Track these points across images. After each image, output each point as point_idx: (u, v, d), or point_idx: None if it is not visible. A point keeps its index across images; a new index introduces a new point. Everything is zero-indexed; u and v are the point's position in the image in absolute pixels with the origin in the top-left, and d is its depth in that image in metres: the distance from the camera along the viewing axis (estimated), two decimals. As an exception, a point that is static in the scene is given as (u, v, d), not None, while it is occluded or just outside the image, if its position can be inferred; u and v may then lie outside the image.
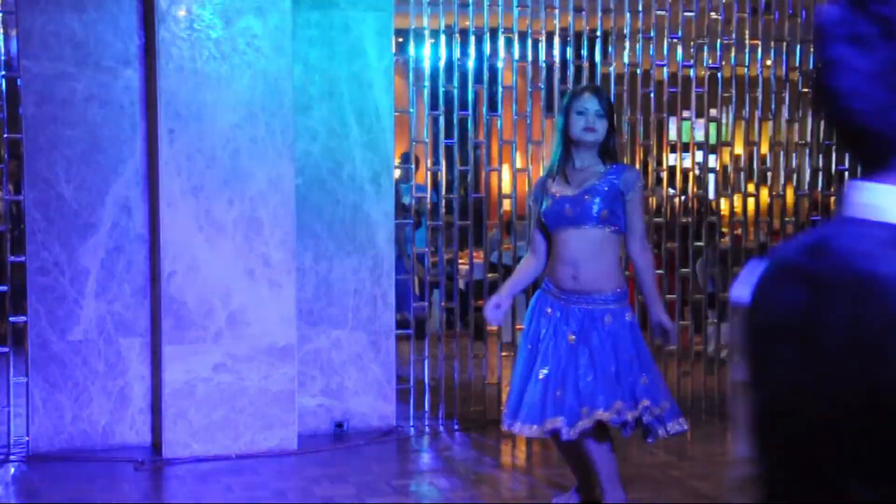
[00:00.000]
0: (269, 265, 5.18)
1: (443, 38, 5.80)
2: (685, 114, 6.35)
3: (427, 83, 5.83)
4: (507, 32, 5.94)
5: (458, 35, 5.86)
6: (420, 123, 5.91)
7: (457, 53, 5.87)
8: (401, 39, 6.09)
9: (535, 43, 6.00)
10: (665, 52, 6.23)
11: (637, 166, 6.00)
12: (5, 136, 5.21)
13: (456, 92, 5.88)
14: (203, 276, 5.13)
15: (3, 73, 5.18)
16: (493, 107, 6.01)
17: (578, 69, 6.09)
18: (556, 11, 5.97)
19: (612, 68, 6.06)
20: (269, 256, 5.19)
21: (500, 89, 5.97)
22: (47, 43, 5.15)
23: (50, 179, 5.19)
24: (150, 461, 5.10)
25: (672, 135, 6.58)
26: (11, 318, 5.32)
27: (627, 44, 6.08)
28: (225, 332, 5.16)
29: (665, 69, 6.26)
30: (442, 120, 5.84)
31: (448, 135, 5.88)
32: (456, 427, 5.82)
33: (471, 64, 5.91)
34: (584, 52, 6.19)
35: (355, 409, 5.59)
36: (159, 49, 5.05)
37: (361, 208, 5.61)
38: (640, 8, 6.13)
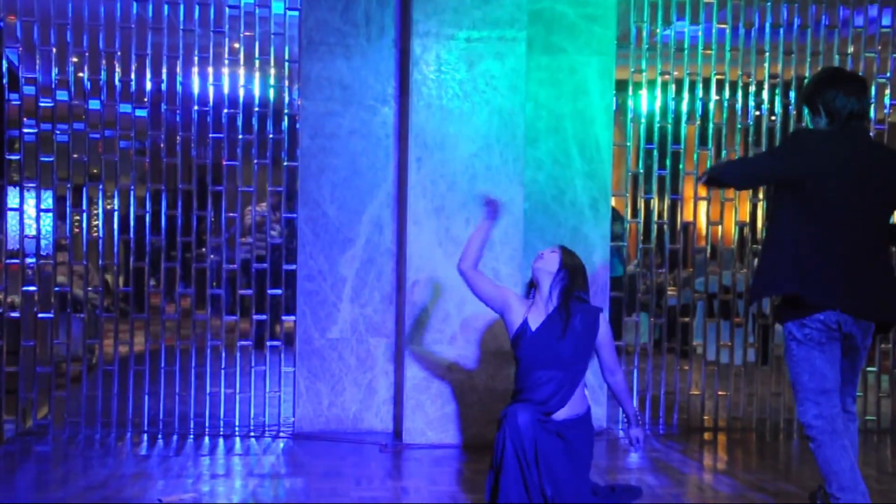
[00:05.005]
0: (499, 278, 5.22)
1: (659, 81, 5.82)
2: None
3: (643, 120, 5.87)
4: (719, 74, 5.90)
5: (672, 85, 5.83)
6: (635, 156, 5.94)
7: (671, 94, 5.85)
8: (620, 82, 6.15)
9: (745, 87, 5.91)
10: (873, 93, 5.99)
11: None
12: (285, 164, 5.57)
13: (669, 128, 5.85)
14: (441, 286, 5.26)
15: (287, 111, 5.56)
16: (703, 142, 5.97)
17: (786, 108, 5.97)
18: (767, 55, 5.88)
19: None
20: (499, 270, 5.26)
21: (710, 126, 5.93)
22: (321, 86, 5.49)
23: (318, 200, 5.51)
24: (392, 445, 5.26)
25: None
26: (284, 317, 5.65)
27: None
28: (458, 336, 5.28)
29: (872, 109, 6.01)
30: (656, 153, 5.84)
31: (661, 166, 5.87)
32: (662, 432, 5.76)
33: (684, 106, 5.86)
34: (793, 94, 6.01)
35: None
36: (412, 89, 5.27)
37: (580, 231, 5.64)
38: (850, 51, 5.94)
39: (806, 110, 3.93)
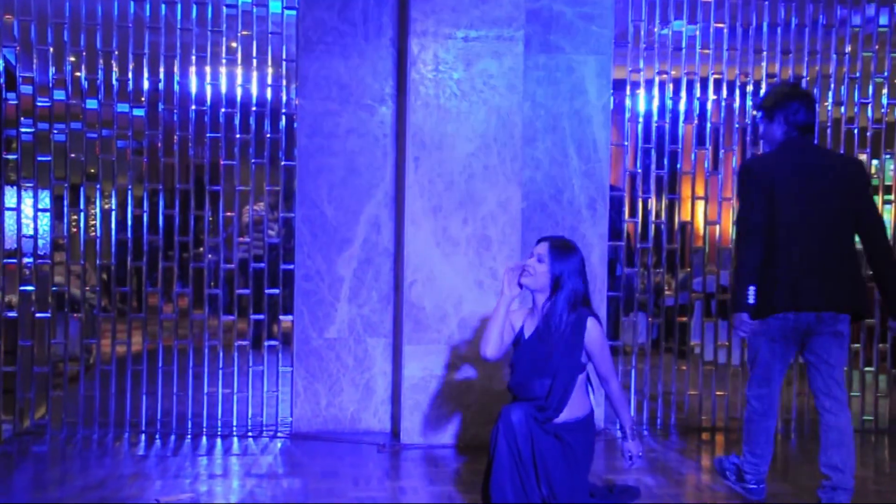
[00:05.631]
0: (497, 278, 5.22)
1: (656, 81, 5.81)
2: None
3: (641, 119, 5.87)
4: (717, 74, 5.90)
5: (670, 84, 5.83)
6: (633, 155, 5.92)
7: (669, 93, 5.86)
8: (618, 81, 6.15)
9: (743, 86, 5.91)
10: (870, 92, 6.00)
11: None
12: (283, 163, 5.56)
13: (667, 128, 5.85)
14: (439, 285, 5.26)
15: (284, 111, 5.55)
16: (701, 141, 5.97)
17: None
18: (765, 54, 5.89)
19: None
20: (497, 270, 5.24)
21: (708, 125, 5.93)
22: (319, 85, 5.48)
23: (315, 200, 5.51)
24: (389, 445, 5.25)
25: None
26: (281, 317, 5.64)
27: (833, 85, 5.92)
28: (456, 335, 5.27)
29: (870, 108, 6.03)
30: (654, 153, 5.83)
31: (659, 166, 5.86)
32: (659, 432, 5.76)
33: (681, 106, 5.86)
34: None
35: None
36: (409, 88, 5.26)
37: (578, 230, 5.64)
38: (847, 50, 5.95)
39: (759, 116, 4.30)
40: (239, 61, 5.56)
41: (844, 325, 4.15)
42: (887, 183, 6.22)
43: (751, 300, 4.02)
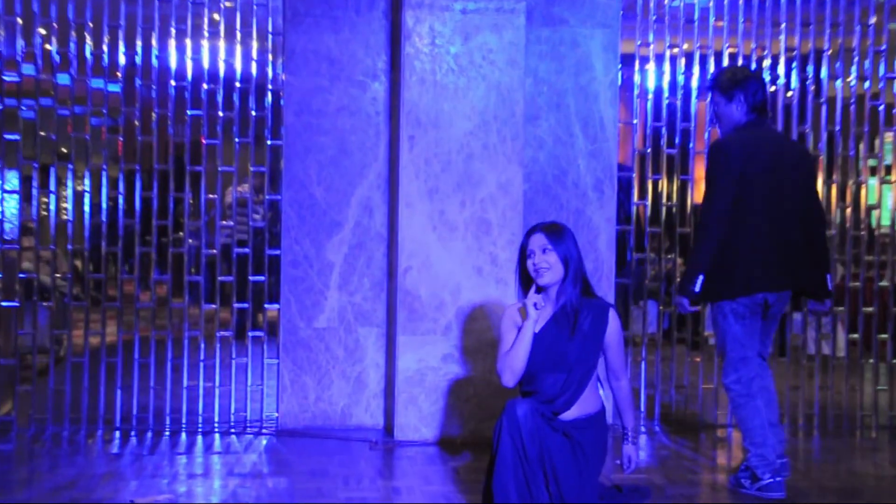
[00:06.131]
0: (497, 264, 5.11)
1: (667, 55, 5.63)
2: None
3: (650, 96, 5.67)
4: (731, 47, 5.69)
5: (682, 59, 5.65)
6: (642, 134, 5.71)
7: (681, 68, 5.65)
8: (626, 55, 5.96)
9: (759, 61, 5.70)
10: None
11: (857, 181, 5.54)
12: (269, 142, 5.43)
13: (679, 105, 5.67)
14: (435, 272, 5.12)
15: (270, 87, 5.41)
16: (714, 119, 5.74)
17: (804, 83, 5.73)
18: (783, 26, 5.65)
19: (839, 83, 5.72)
20: (497, 256, 5.11)
21: (722, 102, 5.70)
22: (307, 60, 5.34)
23: (304, 181, 5.36)
24: (382, 442, 5.14)
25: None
26: (267, 305, 5.54)
27: (857, 58, 5.70)
28: (454, 325, 5.13)
29: None
30: (664, 131, 5.66)
31: (670, 145, 5.68)
32: (671, 428, 5.58)
33: (693, 81, 5.67)
34: (811, 69, 5.76)
35: (573, 406, 5.42)
36: (404, 63, 5.11)
37: (584, 213, 5.46)
38: (872, 22, 5.71)
39: (712, 97, 4.40)
40: (222, 34, 5.42)
41: (787, 304, 4.52)
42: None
43: (696, 289, 4.23)
